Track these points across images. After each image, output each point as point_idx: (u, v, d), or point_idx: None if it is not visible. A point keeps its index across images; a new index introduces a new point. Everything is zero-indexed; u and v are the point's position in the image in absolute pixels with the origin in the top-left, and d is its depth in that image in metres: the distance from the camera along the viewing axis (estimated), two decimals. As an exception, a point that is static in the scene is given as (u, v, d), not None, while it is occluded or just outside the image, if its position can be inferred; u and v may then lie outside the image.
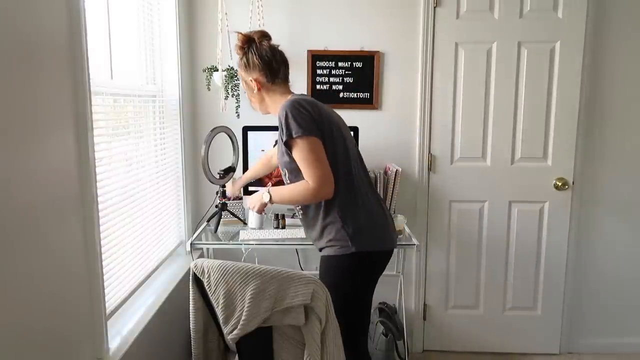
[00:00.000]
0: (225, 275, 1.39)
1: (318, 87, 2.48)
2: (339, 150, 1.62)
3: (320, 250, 1.70)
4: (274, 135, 2.32)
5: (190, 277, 1.50)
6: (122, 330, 1.61)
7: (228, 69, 2.32)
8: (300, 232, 2.13)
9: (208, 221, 2.33)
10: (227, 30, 2.35)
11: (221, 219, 2.23)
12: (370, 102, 2.49)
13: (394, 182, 2.32)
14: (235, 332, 1.40)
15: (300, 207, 1.71)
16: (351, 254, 1.60)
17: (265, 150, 2.32)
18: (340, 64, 2.46)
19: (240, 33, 1.69)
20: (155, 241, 2.00)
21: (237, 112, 2.41)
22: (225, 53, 2.37)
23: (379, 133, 2.52)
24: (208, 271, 1.43)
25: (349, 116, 2.38)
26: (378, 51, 2.45)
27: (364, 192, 1.66)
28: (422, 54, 2.45)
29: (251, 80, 1.69)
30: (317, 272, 1.71)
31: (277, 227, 2.21)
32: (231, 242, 2.08)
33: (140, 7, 1.96)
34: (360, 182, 1.66)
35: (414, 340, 2.69)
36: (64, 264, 1.22)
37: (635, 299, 2.66)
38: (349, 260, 1.61)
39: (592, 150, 2.53)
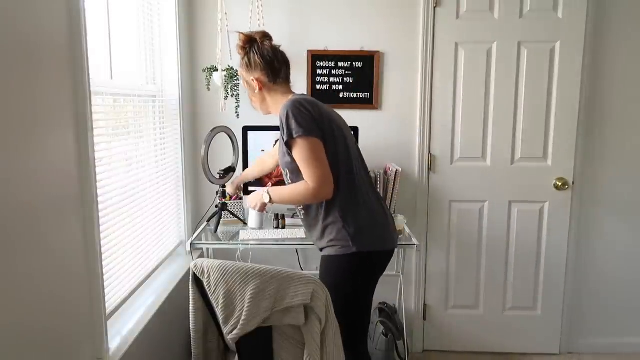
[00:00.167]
0: (225, 275, 1.39)
1: (318, 87, 2.48)
2: (340, 149, 1.62)
3: (321, 250, 1.70)
4: (273, 135, 2.32)
5: (190, 277, 1.50)
6: (122, 330, 1.61)
7: (228, 69, 2.32)
8: (300, 232, 2.13)
9: (208, 221, 2.33)
10: (227, 30, 2.35)
11: (221, 219, 2.24)
12: (370, 102, 2.49)
13: (394, 182, 2.32)
14: (235, 332, 1.40)
15: (302, 207, 1.71)
16: (352, 254, 1.60)
17: (265, 150, 2.32)
18: (340, 64, 2.46)
19: (242, 33, 1.69)
20: (155, 241, 2.00)
21: (237, 112, 2.41)
22: (225, 53, 2.37)
23: (379, 133, 2.52)
24: (208, 271, 1.43)
25: (349, 116, 2.37)
26: (378, 51, 2.45)
27: (365, 191, 1.66)
28: (422, 54, 2.45)
29: (253, 80, 1.69)
30: (317, 272, 1.71)
31: (277, 227, 2.21)
32: (231, 242, 2.08)
33: (140, 7, 1.96)
34: (362, 181, 1.67)
35: (414, 340, 2.69)
36: (64, 264, 1.22)
37: (635, 299, 2.66)
38: (349, 260, 1.61)
39: (592, 150, 2.53)
